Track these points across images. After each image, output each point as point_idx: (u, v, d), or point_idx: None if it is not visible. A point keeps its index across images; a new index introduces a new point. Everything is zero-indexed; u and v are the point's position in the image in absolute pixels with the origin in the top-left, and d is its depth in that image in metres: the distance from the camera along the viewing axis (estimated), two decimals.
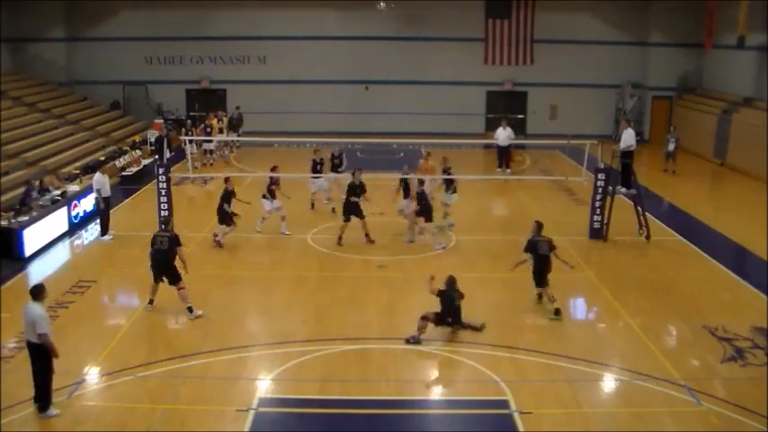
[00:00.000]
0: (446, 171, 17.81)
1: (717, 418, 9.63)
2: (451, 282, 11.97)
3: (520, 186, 22.65)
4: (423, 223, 16.37)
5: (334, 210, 19.12)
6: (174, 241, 12.80)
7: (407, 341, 11.75)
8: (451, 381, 10.88)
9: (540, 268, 13.25)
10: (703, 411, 9.80)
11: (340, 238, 16.60)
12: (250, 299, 13.91)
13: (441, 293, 11.86)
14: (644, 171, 22.41)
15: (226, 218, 16.50)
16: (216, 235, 16.65)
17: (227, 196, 16.52)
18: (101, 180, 17.45)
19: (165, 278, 12.85)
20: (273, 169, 17.83)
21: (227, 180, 16.91)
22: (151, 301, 13.04)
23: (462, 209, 19.22)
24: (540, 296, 13.47)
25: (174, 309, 13.32)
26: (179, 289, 12.75)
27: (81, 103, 29.73)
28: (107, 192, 17.52)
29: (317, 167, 19.20)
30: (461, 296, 11.97)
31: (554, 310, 12.88)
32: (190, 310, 12.72)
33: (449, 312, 11.84)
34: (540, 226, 13.58)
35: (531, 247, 13.33)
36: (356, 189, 16.54)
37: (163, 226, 13.27)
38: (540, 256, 13.23)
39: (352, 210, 16.54)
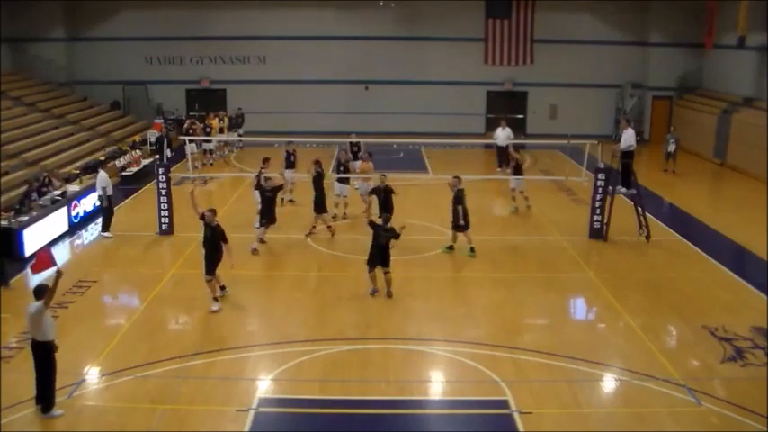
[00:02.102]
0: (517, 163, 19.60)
1: (717, 418, 9.63)
2: (385, 220, 13.90)
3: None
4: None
5: (292, 201, 19.94)
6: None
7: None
8: (451, 381, 10.86)
9: (383, 206, 16.03)
10: (703, 411, 9.80)
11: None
12: (250, 299, 13.90)
13: (371, 224, 13.90)
14: (644, 171, 22.39)
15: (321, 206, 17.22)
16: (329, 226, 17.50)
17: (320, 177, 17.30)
18: (106, 178, 17.66)
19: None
20: (265, 161, 18.07)
21: (317, 162, 17.51)
22: (223, 287, 13.63)
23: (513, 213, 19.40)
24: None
25: (173, 309, 13.35)
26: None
27: (81, 103, 29.74)
28: (110, 190, 17.69)
29: (290, 159, 19.70)
30: (393, 235, 13.76)
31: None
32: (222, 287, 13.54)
33: (375, 248, 13.61)
34: (384, 176, 16.57)
35: (375, 191, 16.43)
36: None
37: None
38: (383, 200, 16.24)
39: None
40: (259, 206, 17.62)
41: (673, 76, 31.42)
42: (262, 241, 16.54)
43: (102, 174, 17.87)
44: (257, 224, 16.88)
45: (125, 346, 11.60)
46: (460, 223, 15.88)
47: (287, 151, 19.97)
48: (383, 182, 16.37)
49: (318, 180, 17.18)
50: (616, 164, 17.63)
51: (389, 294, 13.72)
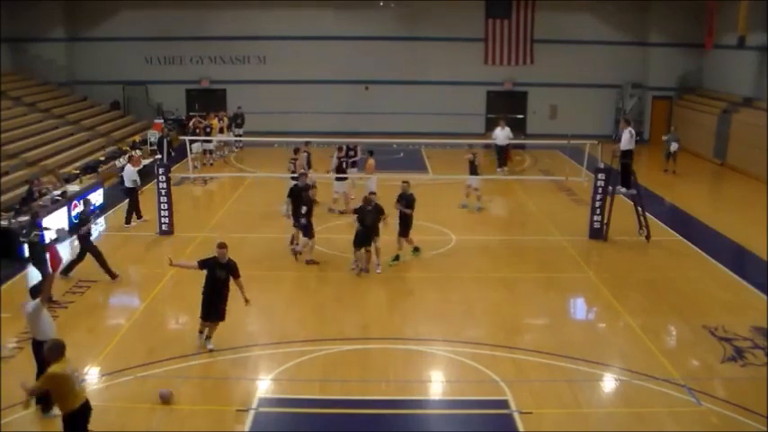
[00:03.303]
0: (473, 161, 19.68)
1: (717, 418, 9.63)
2: (366, 200, 14.29)
3: (520, 186, 22.65)
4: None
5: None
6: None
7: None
8: (451, 381, 10.86)
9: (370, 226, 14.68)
10: (703, 411, 9.80)
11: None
12: (250, 299, 13.85)
13: (356, 211, 14.32)
14: (644, 171, 22.39)
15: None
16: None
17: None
18: (134, 171, 18.35)
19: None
20: (296, 152, 18.71)
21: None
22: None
23: (462, 209, 19.27)
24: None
25: (173, 309, 13.35)
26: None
27: (81, 103, 29.73)
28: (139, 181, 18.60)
29: (308, 159, 19.66)
30: (381, 213, 14.37)
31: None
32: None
33: (362, 229, 13.99)
34: (373, 193, 15.42)
35: (359, 211, 14.77)
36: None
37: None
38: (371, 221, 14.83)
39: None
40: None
41: (673, 76, 31.42)
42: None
43: (129, 167, 18.48)
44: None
45: (125, 346, 11.59)
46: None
47: (306, 152, 19.82)
48: (369, 202, 14.61)
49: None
50: (616, 164, 17.63)
51: (366, 270, 14.57)
